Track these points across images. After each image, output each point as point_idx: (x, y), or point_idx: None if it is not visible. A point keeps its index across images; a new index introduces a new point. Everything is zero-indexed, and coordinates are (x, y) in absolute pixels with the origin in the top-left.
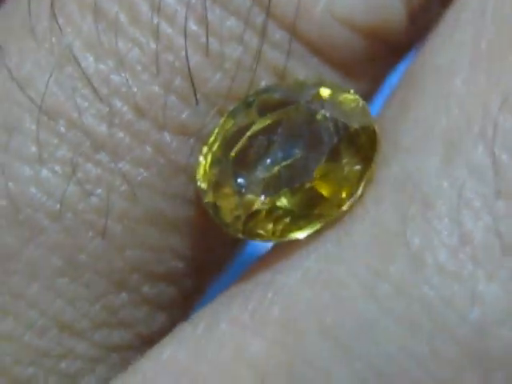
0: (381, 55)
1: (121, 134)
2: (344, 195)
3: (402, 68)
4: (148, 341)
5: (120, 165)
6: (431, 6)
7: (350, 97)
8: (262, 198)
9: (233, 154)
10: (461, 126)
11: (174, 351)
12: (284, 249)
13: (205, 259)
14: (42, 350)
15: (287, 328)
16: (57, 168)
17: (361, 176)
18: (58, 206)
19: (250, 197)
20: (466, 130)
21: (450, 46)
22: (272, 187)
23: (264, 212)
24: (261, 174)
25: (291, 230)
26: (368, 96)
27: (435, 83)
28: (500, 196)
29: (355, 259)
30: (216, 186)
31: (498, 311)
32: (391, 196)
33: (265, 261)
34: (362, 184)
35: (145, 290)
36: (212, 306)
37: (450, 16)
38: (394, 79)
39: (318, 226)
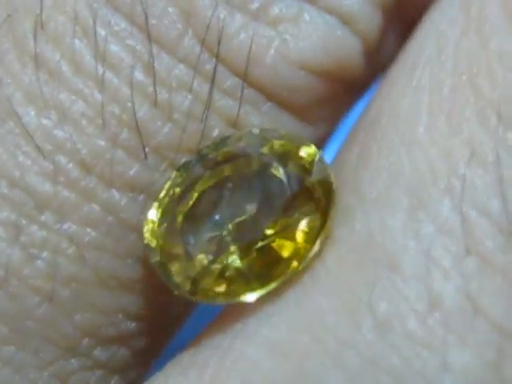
0: (337, 96)
1: (66, 193)
2: (301, 253)
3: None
4: None
5: (66, 226)
6: (388, 41)
7: (306, 148)
8: (211, 257)
9: (181, 210)
10: (425, 178)
11: None
12: (240, 310)
13: (158, 318)
14: None
15: None
16: None
17: (318, 232)
18: (2, 272)
19: (199, 256)
20: (432, 184)
21: (408, 91)
22: (222, 246)
23: (215, 272)
24: (209, 232)
25: (243, 292)
26: (325, 137)
27: (396, 130)
28: (470, 254)
29: (319, 326)
30: (164, 244)
31: (472, 378)
32: (354, 256)
33: (221, 323)
34: (319, 240)
35: (96, 353)
36: (165, 373)
37: (407, 58)
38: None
39: (272, 287)
